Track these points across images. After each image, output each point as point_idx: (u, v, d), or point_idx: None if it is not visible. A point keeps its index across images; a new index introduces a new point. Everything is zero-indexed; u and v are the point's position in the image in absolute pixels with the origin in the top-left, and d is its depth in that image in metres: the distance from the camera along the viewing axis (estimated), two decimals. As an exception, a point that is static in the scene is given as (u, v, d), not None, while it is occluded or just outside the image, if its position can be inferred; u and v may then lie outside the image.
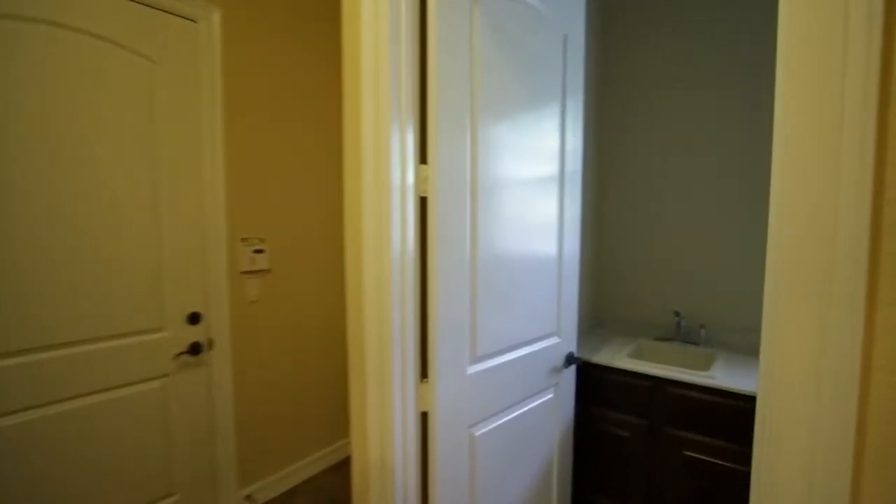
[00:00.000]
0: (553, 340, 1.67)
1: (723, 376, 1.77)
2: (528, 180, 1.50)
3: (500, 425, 1.46)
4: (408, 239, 1.22)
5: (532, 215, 1.53)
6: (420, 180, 1.22)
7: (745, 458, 1.67)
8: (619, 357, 2.00)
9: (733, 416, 1.69)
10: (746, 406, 1.66)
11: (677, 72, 2.27)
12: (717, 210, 2.19)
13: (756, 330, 2.16)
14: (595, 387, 1.99)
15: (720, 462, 1.72)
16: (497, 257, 1.40)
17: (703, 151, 2.21)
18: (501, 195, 1.40)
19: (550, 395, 1.69)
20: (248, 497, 2.21)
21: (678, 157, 2.28)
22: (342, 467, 2.65)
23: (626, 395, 1.93)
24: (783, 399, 0.72)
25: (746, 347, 2.12)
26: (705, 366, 1.95)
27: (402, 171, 1.20)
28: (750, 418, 1.70)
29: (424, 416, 1.28)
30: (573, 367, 1.77)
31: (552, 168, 1.60)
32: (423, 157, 1.22)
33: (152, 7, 1.76)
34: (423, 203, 1.24)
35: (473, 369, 1.35)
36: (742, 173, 2.11)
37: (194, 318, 1.87)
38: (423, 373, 1.28)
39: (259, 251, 2.21)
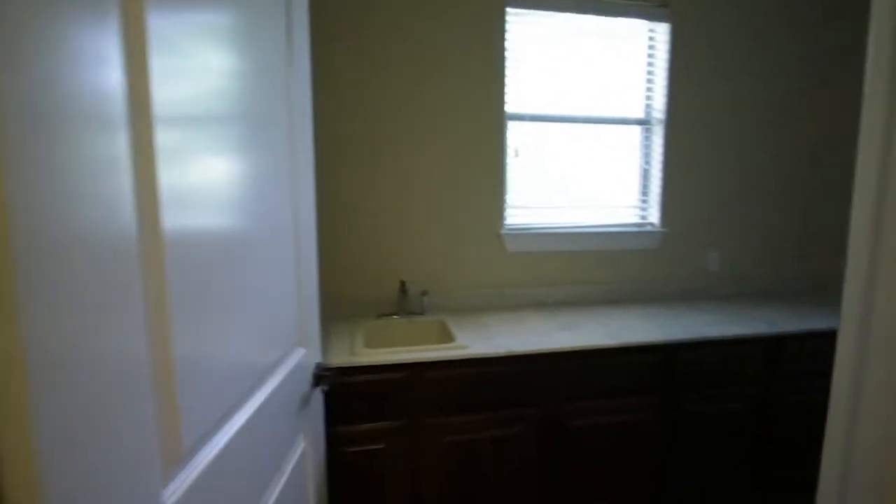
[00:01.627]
0: (298, 355, 0.99)
1: (476, 344, 1.60)
2: (246, 101, 0.74)
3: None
4: None
5: (255, 156, 0.78)
6: None
7: (505, 420, 1.56)
8: (358, 350, 1.51)
9: (488, 383, 1.54)
10: (499, 369, 1.55)
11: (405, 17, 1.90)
12: (438, 170, 2.02)
13: (473, 287, 2.26)
14: (338, 399, 1.43)
15: (480, 435, 1.56)
16: (207, 218, 0.61)
17: (431, 109, 1.97)
18: (207, 106, 0.60)
19: (302, 446, 1.01)
20: None
21: (400, 112, 1.96)
22: None
23: (378, 397, 1.47)
24: None
25: (465, 307, 2.08)
26: (447, 337, 1.75)
27: None
28: (504, 380, 1.62)
29: None
30: (323, 387, 1.15)
31: (278, 91, 0.89)
32: None
33: None
34: None
35: (176, 492, 0.53)
36: (468, 130, 2.01)
37: None
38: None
39: None
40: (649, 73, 2.26)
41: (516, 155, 2.15)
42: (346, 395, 1.44)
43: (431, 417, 1.52)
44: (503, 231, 2.11)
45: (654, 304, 2.17)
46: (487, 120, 2.04)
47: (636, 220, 2.35)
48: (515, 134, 2.13)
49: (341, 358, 1.46)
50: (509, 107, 2.08)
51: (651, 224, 2.33)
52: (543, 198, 2.22)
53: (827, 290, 2.41)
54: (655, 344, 1.65)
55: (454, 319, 1.89)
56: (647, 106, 2.29)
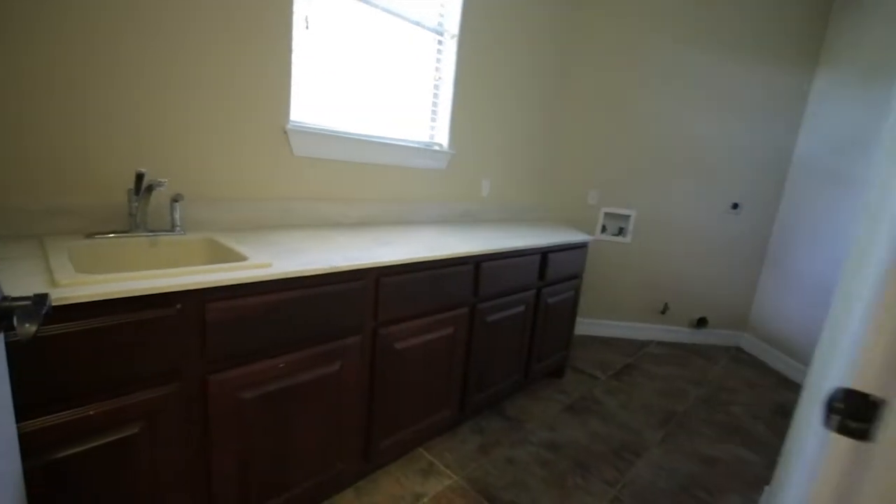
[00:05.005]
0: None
1: (280, 262, 1.14)
2: None
3: None
4: None
5: None
6: None
7: (326, 355, 1.22)
8: (65, 277, 0.83)
9: (300, 312, 1.14)
10: (318, 292, 1.17)
11: None
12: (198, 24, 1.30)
13: (252, 198, 1.57)
14: (36, 367, 0.75)
15: (295, 381, 1.16)
16: None
17: None
18: None
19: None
20: None
21: None
22: None
23: (120, 353, 0.86)
24: None
25: (240, 225, 1.52)
26: (228, 257, 1.20)
27: None
28: (322, 305, 1.19)
29: None
30: (21, 326, 0.52)
31: None
32: None
33: None
34: None
35: None
36: None
37: None
38: None
39: None
40: (445, -22, 2.11)
41: (307, 26, 1.65)
42: (51, 361, 0.77)
43: (219, 372, 1.01)
44: (289, 126, 1.62)
45: (441, 225, 2.15)
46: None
47: (426, 139, 2.25)
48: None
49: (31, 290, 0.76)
50: (299, -44, 1.54)
51: (439, 144, 2.27)
52: (336, 95, 1.81)
53: (550, 218, 2.99)
54: (472, 255, 1.60)
55: (229, 238, 1.34)
56: (441, 15, 2.15)
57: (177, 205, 1.30)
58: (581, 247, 2.27)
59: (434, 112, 2.25)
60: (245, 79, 1.47)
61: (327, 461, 1.31)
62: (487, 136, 2.45)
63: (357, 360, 1.30)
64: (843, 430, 0.47)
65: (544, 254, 2.01)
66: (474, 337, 1.73)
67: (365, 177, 1.91)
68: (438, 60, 2.20)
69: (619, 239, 3.03)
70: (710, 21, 2.73)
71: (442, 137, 2.27)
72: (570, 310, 2.31)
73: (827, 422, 0.48)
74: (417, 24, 2.05)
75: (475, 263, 1.65)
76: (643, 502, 1.57)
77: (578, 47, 2.79)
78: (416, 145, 2.13)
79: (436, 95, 2.23)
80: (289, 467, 1.21)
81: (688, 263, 3.06)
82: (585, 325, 3.11)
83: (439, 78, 2.22)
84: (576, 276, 2.30)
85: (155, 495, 0.96)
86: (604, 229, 3.04)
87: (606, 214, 3.02)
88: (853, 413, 0.46)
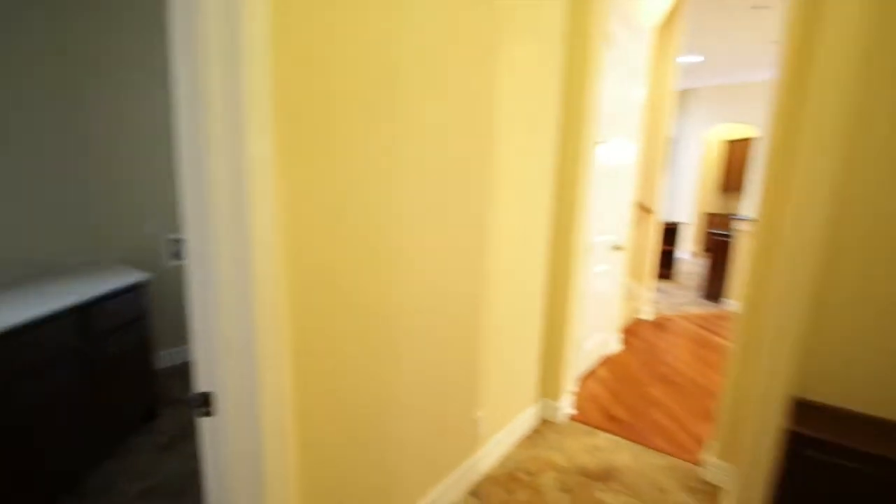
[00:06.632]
0: None
1: None
2: None
3: None
4: None
5: None
6: None
7: None
8: None
9: None
10: None
11: None
12: None
13: None
14: None
15: None
16: None
17: None
18: None
19: None
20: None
21: None
22: None
23: None
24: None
25: None
26: None
27: None
28: None
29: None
30: None
31: None
32: None
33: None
34: None
35: None
36: None
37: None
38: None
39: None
40: None
41: None
42: None
43: None
44: None
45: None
46: None
47: None
48: None
49: None
50: None
51: None
52: None
53: (106, 258, 2.71)
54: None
55: None
56: None
57: None
58: (136, 288, 2.22)
59: None
60: None
61: None
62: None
63: None
64: (202, 415, 0.81)
65: (83, 310, 1.86)
66: (-6, 439, 1.46)
67: None
68: None
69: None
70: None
71: None
72: (143, 352, 2.26)
73: (195, 413, 0.81)
74: None
75: (-36, 358, 1.37)
76: (241, 490, 1.86)
77: (99, 69, 2.53)
78: None
79: None
80: None
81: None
82: (183, 353, 3.08)
83: None
84: (141, 317, 2.25)
85: None
86: (177, 255, 3.03)
87: (171, 240, 3.01)
88: (203, 403, 0.81)
